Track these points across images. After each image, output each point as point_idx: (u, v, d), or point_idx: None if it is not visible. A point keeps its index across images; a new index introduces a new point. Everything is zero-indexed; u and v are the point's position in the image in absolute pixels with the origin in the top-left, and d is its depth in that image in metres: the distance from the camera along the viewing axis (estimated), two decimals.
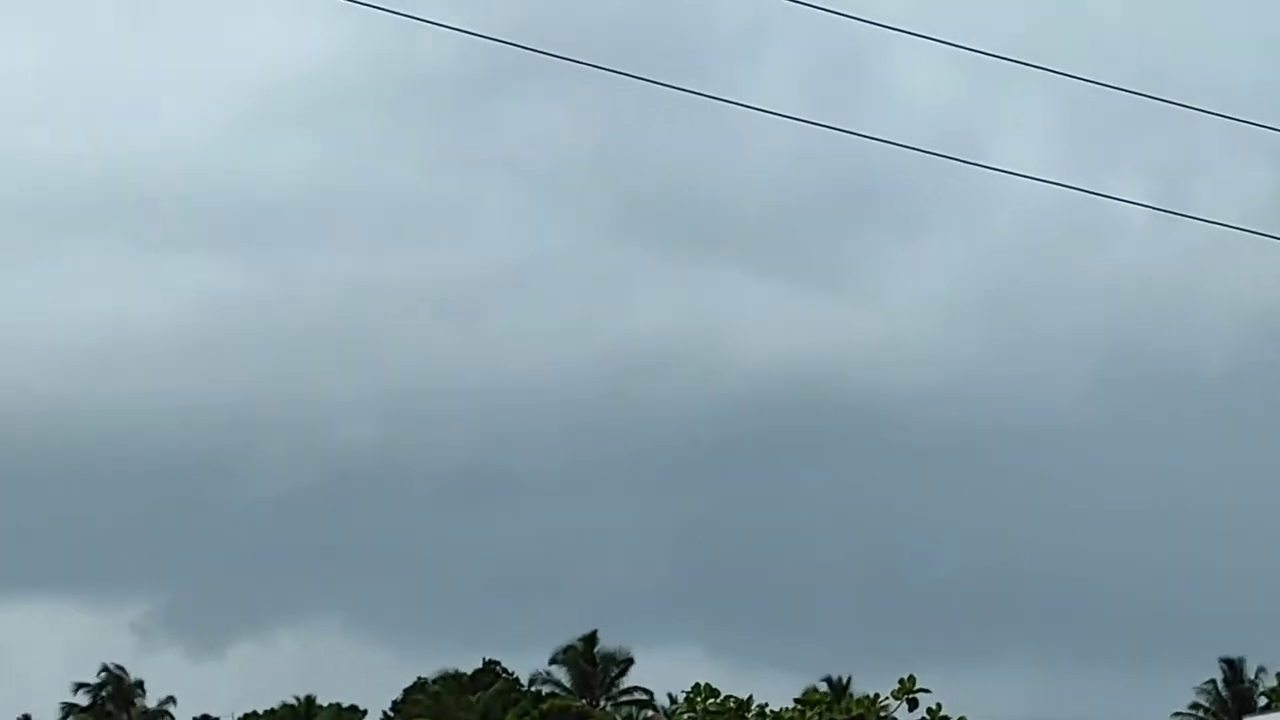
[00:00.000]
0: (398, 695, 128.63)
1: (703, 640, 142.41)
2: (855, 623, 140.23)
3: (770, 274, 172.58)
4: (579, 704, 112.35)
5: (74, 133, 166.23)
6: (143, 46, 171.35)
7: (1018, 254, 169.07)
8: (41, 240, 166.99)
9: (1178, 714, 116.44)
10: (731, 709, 16.52)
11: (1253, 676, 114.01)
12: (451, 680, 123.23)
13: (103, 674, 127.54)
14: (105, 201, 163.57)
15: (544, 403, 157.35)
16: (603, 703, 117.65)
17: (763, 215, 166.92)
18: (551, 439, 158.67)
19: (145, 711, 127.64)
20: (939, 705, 16.09)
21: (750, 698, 16.80)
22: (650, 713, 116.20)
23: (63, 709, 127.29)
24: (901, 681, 16.02)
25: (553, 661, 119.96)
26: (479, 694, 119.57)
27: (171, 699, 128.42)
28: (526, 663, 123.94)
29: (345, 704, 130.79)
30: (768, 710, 16.94)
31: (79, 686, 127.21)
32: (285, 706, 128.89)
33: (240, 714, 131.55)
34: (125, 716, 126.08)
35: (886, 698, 16.03)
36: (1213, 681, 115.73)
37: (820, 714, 16.24)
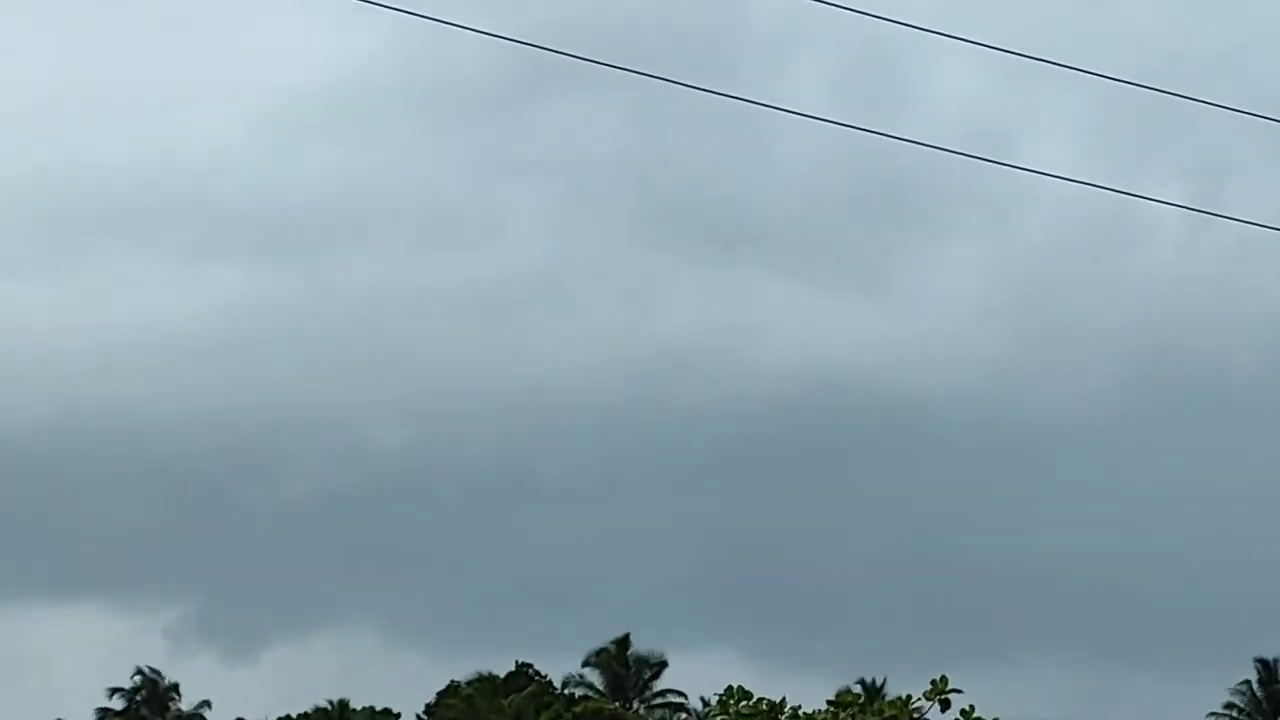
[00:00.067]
0: (431, 698, 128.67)
1: (736, 642, 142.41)
2: (889, 624, 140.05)
3: (800, 275, 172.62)
4: (612, 707, 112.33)
5: (105, 138, 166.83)
6: (173, 53, 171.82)
7: (1048, 254, 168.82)
8: (73, 246, 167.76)
9: (1212, 714, 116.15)
10: (764, 711, 16.50)
11: None
12: (484, 683, 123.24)
13: (137, 677, 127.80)
14: (136, 207, 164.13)
15: (576, 405, 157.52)
16: (636, 705, 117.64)
17: (792, 217, 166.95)
18: (583, 441, 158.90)
19: (179, 715, 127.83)
20: (972, 707, 16.07)
21: (783, 700, 16.80)
22: (684, 715, 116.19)
23: (97, 714, 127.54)
24: (933, 682, 16.01)
25: (585, 664, 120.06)
26: (512, 697, 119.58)
27: (206, 703, 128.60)
28: (559, 665, 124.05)
29: (379, 707, 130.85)
30: (800, 712, 16.95)
31: (113, 691, 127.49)
32: (319, 710, 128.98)
33: (274, 718, 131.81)
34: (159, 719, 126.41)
35: (919, 699, 16.02)
36: (1247, 682, 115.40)
37: (853, 715, 16.22)
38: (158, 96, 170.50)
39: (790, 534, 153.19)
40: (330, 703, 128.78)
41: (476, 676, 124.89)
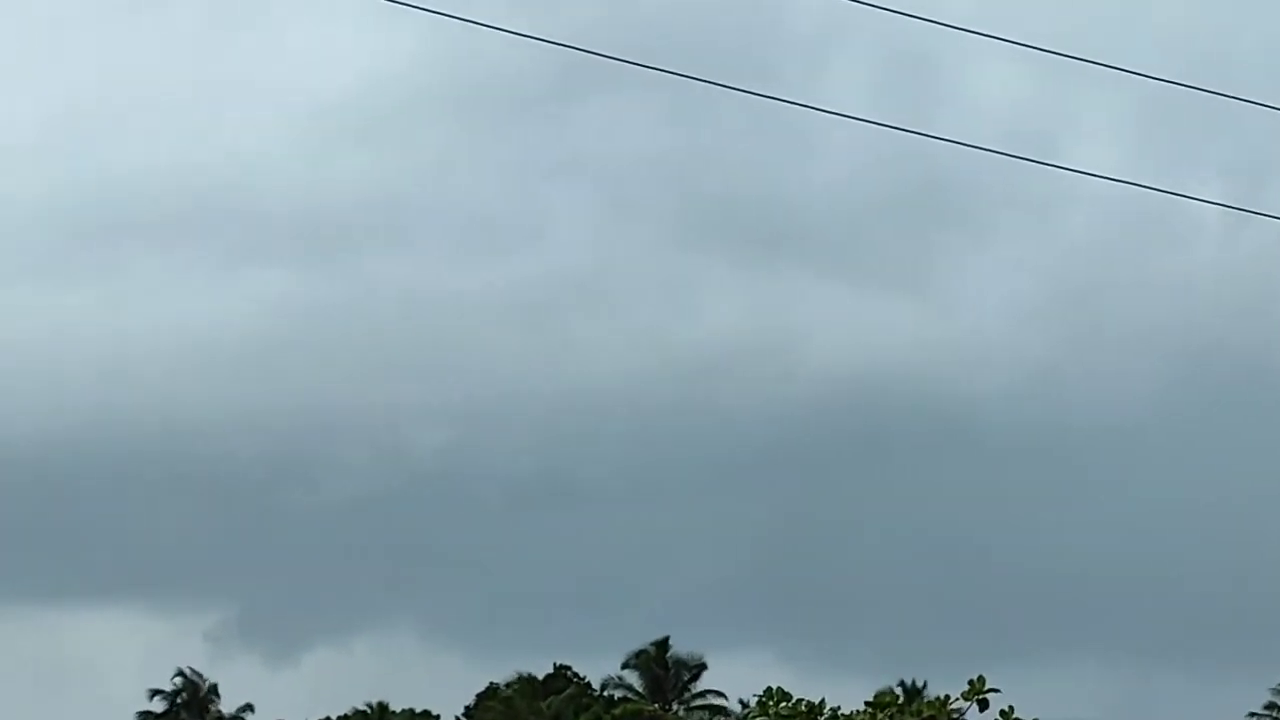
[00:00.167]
0: (470, 700, 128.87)
1: (775, 644, 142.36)
2: (929, 625, 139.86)
3: (840, 277, 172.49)
4: (651, 708, 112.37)
5: (144, 143, 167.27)
6: (211, 57, 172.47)
7: (1088, 254, 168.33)
8: (111, 250, 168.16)
9: (1253, 714, 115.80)
10: (803, 712, 16.45)
11: None
12: (524, 685, 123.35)
13: (177, 679, 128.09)
14: (175, 211, 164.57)
15: (615, 407, 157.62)
16: (675, 707, 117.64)
17: (832, 218, 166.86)
18: (623, 444, 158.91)
19: (219, 717, 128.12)
20: (1011, 708, 16.00)
21: (822, 701, 16.72)
22: (727, 717, 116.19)
23: (138, 717, 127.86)
24: (971, 682, 15.95)
25: (625, 666, 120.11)
26: (551, 699, 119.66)
27: (249, 707, 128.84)
28: (598, 668, 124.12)
29: (418, 709, 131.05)
30: (839, 713, 16.89)
31: (154, 693, 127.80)
32: (359, 713, 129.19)
33: None
34: None
35: (956, 699, 15.98)
36: None
37: (891, 716, 16.16)
38: (196, 101, 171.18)
39: (829, 535, 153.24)
40: (370, 705, 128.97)
41: (516, 678, 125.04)
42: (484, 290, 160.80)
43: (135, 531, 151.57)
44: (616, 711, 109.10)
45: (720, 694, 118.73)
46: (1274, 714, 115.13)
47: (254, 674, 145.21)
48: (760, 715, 19.05)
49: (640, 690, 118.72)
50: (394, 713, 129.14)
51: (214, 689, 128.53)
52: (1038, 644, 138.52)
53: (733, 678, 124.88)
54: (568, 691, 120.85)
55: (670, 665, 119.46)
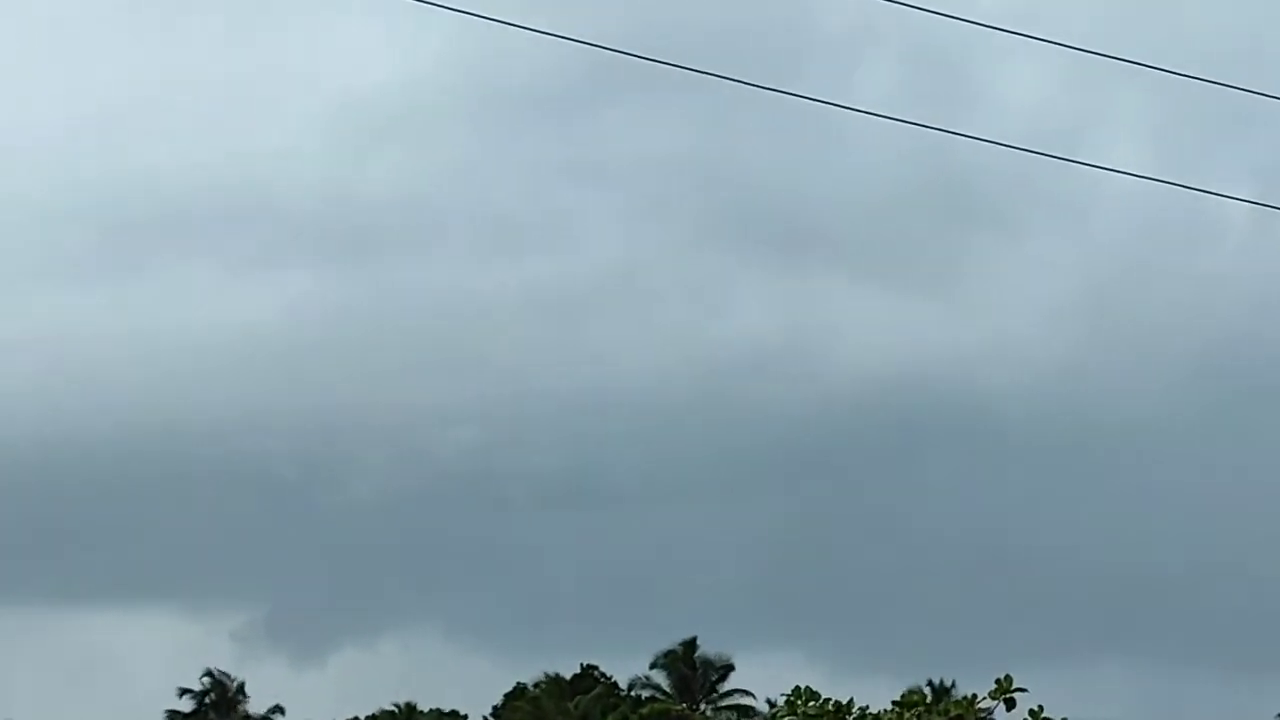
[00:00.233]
0: (498, 700, 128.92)
1: (803, 644, 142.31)
2: (957, 624, 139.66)
3: (869, 277, 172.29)
4: (679, 708, 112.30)
5: (171, 144, 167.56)
6: (238, 58, 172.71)
7: (1116, 253, 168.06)
8: (139, 251, 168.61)
9: None
10: (830, 712, 16.38)
11: None
12: (551, 685, 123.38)
13: (205, 679, 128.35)
14: (203, 212, 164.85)
15: (642, 408, 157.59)
16: (703, 707, 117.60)
17: (860, 218, 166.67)
18: (650, 444, 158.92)
19: (247, 717, 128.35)
20: (1040, 707, 15.91)
21: (850, 700, 16.66)
22: (755, 717, 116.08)
23: (166, 716, 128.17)
24: (998, 681, 15.89)
25: (653, 666, 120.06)
26: (578, 698, 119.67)
27: (279, 709, 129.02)
28: (625, 668, 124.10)
29: (445, 709, 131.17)
30: (868, 713, 16.83)
31: (183, 691, 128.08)
32: (386, 713, 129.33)
33: None
34: None
35: (984, 698, 15.91)
36: None
37: (918, 715, 16.08)
38: (224, 102, 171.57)
39: (857, 535, 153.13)
40: (397, 705, 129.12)
41: (543, 678, 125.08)
42: (511, 290, 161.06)
43: (164, 532, 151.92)
44: (644, 711, 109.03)
45: (748, 694, 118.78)
46: None
47: (281, 674, 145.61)
48: (788, 715, 19.02)
49: (668, 690, 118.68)
50: (421, 713, 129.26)
51: (241, 688, 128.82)
52: (1065, 643, 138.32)
53: (760, 678, 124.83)
54: (595, 691, 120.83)
55: (698, 665, 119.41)
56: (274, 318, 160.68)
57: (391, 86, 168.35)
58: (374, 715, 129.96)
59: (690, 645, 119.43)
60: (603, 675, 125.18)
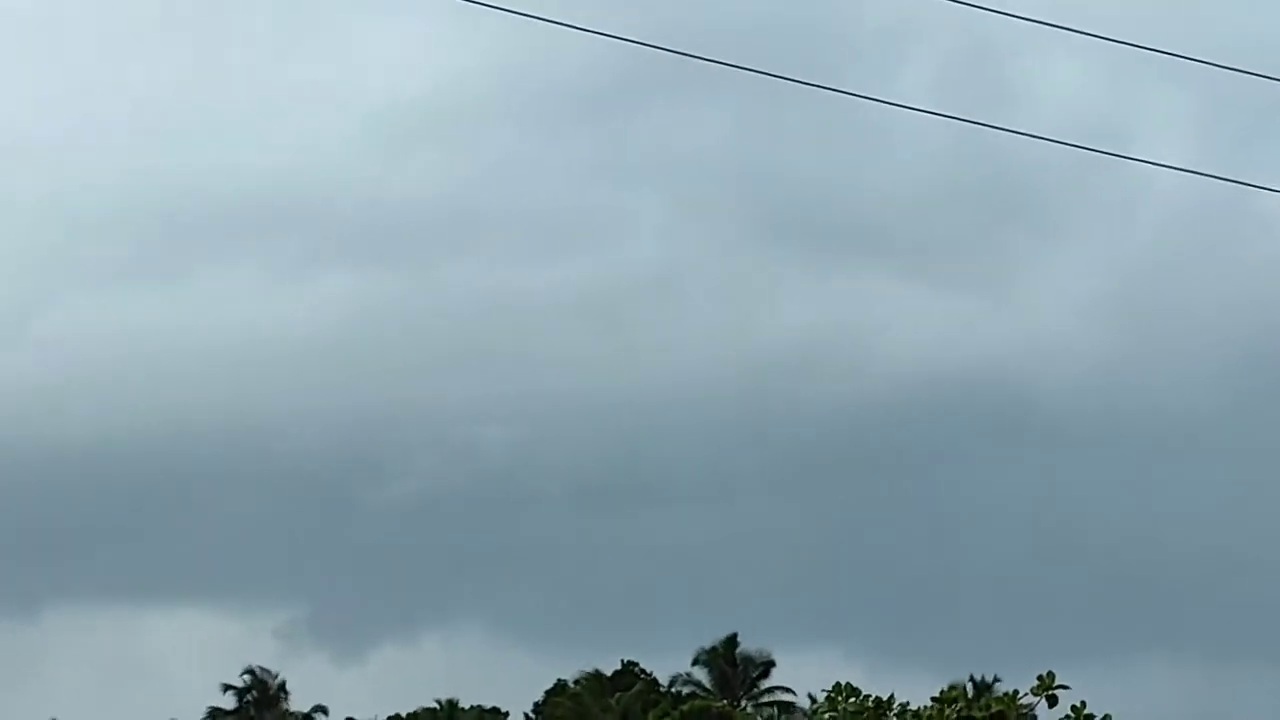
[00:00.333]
0: (539, 697, 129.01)
1: (844, 640, 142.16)
2: (999, 620, 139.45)
3: (911, 274, 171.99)
4: (720, 705, 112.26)
5: (215, 147, 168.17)
6: (279, 63, 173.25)
7: (1161, 248, 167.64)
8: (184, 253, 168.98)
9: None
10: (870, 708, 16.33)
11: None
12: (592, 681, 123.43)
13: (246, 677, 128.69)
14: (247, 214, 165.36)
15: (684, 406, 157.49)
16: (744, 704, 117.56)
17: (904, 215, 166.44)
18: (692, 442, 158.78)
19: (288, 714, 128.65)
20: (1083, 703, 15.84)
21: (891, 696, 16.61)
22: (796, 713, 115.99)
23: (209, 712, 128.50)
24: (1040, 678, 15.80)
25: (694, 663, 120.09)
26: (619, 695, 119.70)
27: (323, 709, 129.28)
28: (665, 664, 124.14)
29: (487, 706, 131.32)
30: (908, 709, 16.77)
31: (226, 688, 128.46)
32: (427, 710, 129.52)
33: (384, 717, 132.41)
34: (266, 717, 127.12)
35: (1025, 694, 15.86)
36: None
37: (959, 711, 16.03)
38: (268, 106, 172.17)
39: (898, 531, 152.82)
40: (439, 702, 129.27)
41: (584, 675, 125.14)
42: (553, 289, 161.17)
43: (207, 531, 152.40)
44: (685, 708, 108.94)
45: (789, 690, 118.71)
46: None
47: (323, 671, 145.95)
48: (829, 711, 19.00)
49: (708, 687, 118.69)
50: (463, 710, 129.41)
51: (283, 686, 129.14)
52: (1108, 639, 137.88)
53: (801, 674, 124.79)
54: (636, 688, 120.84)
55: (739, 662, 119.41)
56: (317, 318, 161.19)
57: (432, 87, 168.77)
58: (415, 713, 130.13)
59: (731, 642, 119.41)
60: (643, 672, 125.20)
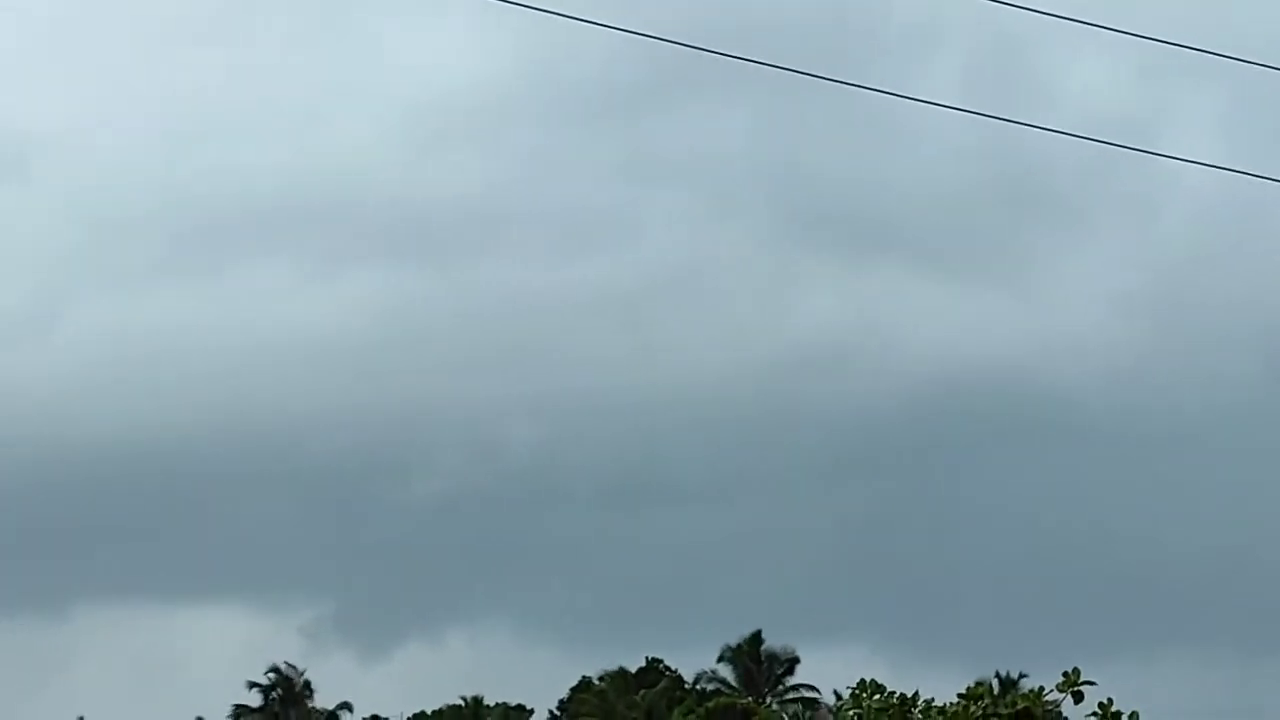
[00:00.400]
0: (564, 694, 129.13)
1: (868, 637, 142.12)
2: (1024, 617, 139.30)
3: (937, 271, 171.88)
4: (744, 702, 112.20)
5: (246, 147, 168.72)
6: (312, 63, 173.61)
7: (1187, 243, 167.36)
8: (215, 252, 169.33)
9: None
10: (896, 705, 16.30)
11: None
12: (617, 678, 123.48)
13: (271, 674, 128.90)
14: (277, 213, 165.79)
15: (709, 404, 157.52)
16: (769, 700, 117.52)
17: (929, 212, 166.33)
18: (716, 439, 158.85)
19: (313, 711, 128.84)
20: (1110, 700, 15.79)
21: (916, 693, 16.58)
22: (821, 709, 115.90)
23: (234, 710, 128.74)
24: (1066, 674, 15.78)
25: (719, 660, 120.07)
26: (644, 692, 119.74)
27: (347, 705, 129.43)
28: (689, 661, 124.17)
29: (512, 703, 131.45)
30: (933, 705, 16.73)
31: (251, 685, 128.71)
32: (453, 707, 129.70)
33: (409, 715, 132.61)
34: (291, 714, 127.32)
35: (1051, 690, 15.83)
36: None
37: (984, 708, 15.98)
38: (298, 105, 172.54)
39: (922, 528, 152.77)
40: (464, 699, 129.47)
41: (609, 672, 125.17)
42: (578, 288, 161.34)
43: (233, 529, 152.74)
44: (710, 705, 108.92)
45: (813, 688, 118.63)
46: None
47: (348, 669, 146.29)
48: (854, 708, 18.99)
49: (733, 684, 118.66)
50: (488, 706, 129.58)
51: (308, 684, 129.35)
52: (1136, 636, 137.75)
53: (825, 670, 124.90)
54: (661, 685, 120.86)
55: (763, 658, 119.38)
56: (344, 318, 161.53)
57: (459, 87, 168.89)
58: (440, 710, 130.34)
59: (755, 639, 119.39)
60: (668, 669, 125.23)
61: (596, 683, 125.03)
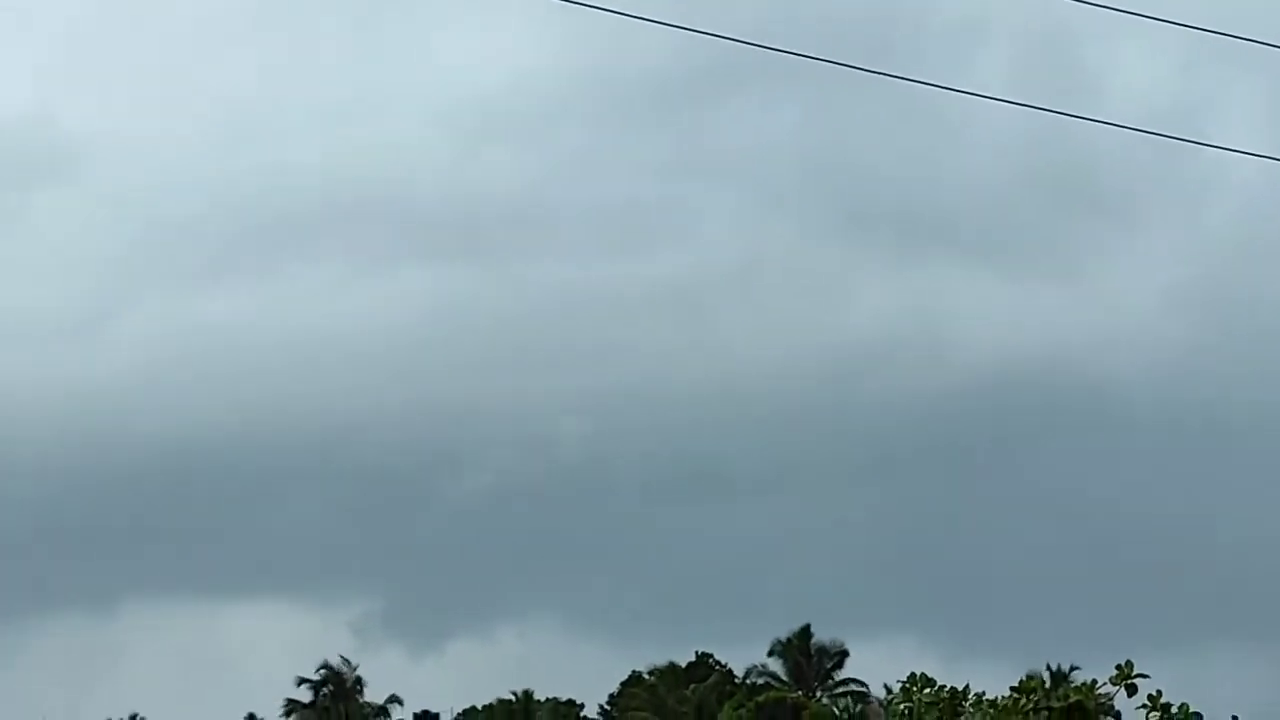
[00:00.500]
0: (614, 689, 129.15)
1: (918, 630, 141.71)
2: (1075, 610, 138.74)
3: (988, 265, 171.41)
4: (794, 696, 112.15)
5: (298, 145, 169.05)
6: (361, 62, 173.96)
7: (1237, 237, 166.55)
8: (267, 250, 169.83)
9: None
10: (946, 698, 16.29)
11: None
12: (667, 673, 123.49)
13: (323, 670, 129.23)
14: (329, 211, 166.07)
15: (759, 399, 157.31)
16: (818, 694, 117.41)
17: (980, 206, 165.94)
18: (767, 434, 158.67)
19: (364, 706, 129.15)
20: (1159, 692, 15.77)
21: (966, 687, 16.56)
22: (871, 703, 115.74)
23: (285, 705, 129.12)
24: (1119, 667, 15.76)
25: (769, 654, 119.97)
26: (694, 686, 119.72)
27: (397, 699, 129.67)
28: (738, 656, 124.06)
29: (562, 698, 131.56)
30: (984, 699, 16.72)
31: (301, 681, 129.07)
32: (503, 702, 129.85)
33: (459, 710, 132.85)
34: (342, 709, 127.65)
35: (1104, 684, 15.81)
36: None
37: (1036, 702, 15.96)
38: (346, 104, 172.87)
39: (972, 521, 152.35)
40: (514, 694, 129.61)
41: (658, 667, 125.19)
42: (630, 284, 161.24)
43: (283, 525, 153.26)
44: (760, 699, 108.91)
45: (862, 683, 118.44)
46: None
47: (399, 664, 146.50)
48: (904, 702, 18.97)
49: (783, 678, 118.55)
50: (538, 701, 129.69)
51: (359, 679, 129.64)
52: (1188, 629, 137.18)
53: (875, 664, 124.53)
54: (711, 679, 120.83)
55: (813, 653, 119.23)
56: (395, 314, 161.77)
57: (509, 84, 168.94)
58: (491, 704, 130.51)
59: (805, 633, 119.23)
60: (718, 663, 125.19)
61: (647, 677, 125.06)
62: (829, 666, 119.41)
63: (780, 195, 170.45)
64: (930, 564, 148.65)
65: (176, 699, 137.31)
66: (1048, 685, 18.62)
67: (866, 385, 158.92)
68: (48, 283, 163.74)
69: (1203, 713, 17.84)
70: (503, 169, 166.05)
